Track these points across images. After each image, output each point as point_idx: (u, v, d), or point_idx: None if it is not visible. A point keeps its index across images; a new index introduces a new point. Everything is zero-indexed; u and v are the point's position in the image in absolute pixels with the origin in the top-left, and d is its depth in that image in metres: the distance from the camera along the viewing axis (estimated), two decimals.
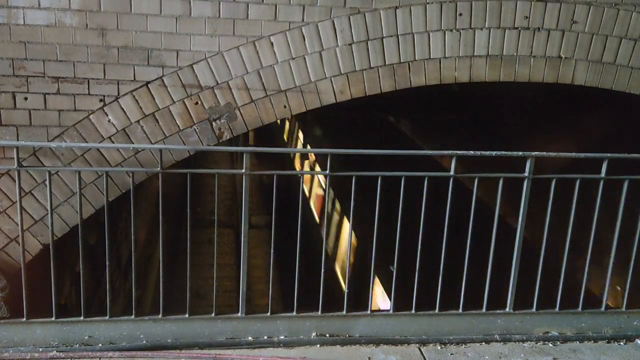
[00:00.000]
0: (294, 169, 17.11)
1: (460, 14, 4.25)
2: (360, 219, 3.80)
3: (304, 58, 4.19)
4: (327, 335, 3.84)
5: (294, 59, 4.18)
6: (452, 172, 3.70)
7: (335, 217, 11.08)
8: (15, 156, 3.49)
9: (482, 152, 3.77)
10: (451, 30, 4.27)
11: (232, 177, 16.58)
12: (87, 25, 3.95)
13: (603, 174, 3.82)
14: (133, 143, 4.12)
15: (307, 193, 14.27)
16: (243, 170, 3.64)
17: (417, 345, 3.86)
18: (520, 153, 3.76)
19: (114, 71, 4.03)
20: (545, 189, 3.80)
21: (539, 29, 4.35)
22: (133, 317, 3.74)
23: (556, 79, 4.45)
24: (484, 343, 3.92)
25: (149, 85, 4.09)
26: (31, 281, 3.65)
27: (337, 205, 10.99)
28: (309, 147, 15.55)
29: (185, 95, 4.13)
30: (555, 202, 3.82)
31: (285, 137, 22.39)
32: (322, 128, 15.03)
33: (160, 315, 3.75)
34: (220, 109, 4.19)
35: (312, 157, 15.59)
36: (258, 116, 4.24)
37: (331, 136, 13.84)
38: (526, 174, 3.79)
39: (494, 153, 3.77)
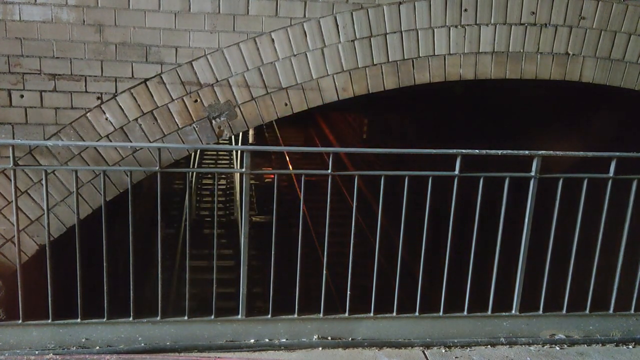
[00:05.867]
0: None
1: (466, 10, 4.17)
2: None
3: (306, 55, 4.12)
4: (329, 338, 3.77)
5: (295, 55, 4.11)
6: (456, 172, 3.63)
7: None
8: (11, 155, 3.43)
9: (488, 150, 3.70)
10: (456, 27, 4.19)
11: (231, 177, 16.54)
12: (84, 21, 3.88)
13: (611, 174, 3.74)
14: (131, 142, 4.06)
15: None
16: (243, 169, 3.57)
17: (421, 348, 3.78)
18: (527, 152, 3.69)
19: (111, 68, 3.97)
20: (552, 189, 3.72)
21: (546, 24, 4.26)
22: (131, 319, 3.67)
23: (563, 76, 4.37)
24: (489, 346, 3.84)
25: (147, 82, 4.02)
26: (27, 282, 3.58)
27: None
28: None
29: (184, 92, 4.06)
30: (562, 202, 3.74)
31: None
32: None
33: (158, 317, 3.68)
34: (220, 106, 4.11)
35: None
36: (258, 114, 4.17)
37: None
38: (533, 174, 3.71)
39: (500, 152, 3.70)
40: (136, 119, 4.05)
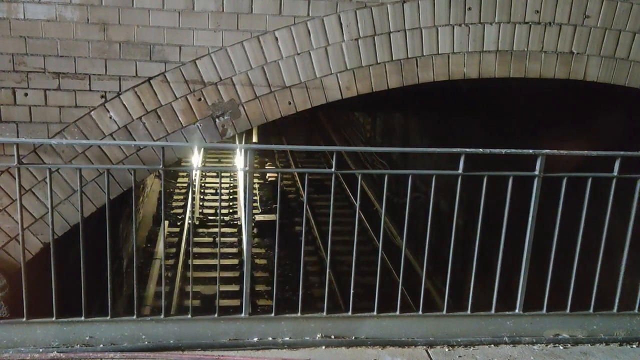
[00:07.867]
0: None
1: (470, 8, 4.16)
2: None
3: (309, 53, 4.11)
4: (333, 336, 3.77)
5: (299, 54, 4.11)
6: (460, 171, 3.62)
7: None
8: (15, 153, 3.43)
9: (492, 150, 3.69)
10: (460, 25, 4.18)
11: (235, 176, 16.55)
12: (88, 19, 3.88)
13: (615, 173, 3.73)
14: (135, 140, 4.06)
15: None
16: (246, 168, 3.57)
17: (424, 347, 3.78)
18: (531, 151, 3.68)
19: (115, 67, 3.97)
20: (556, 188, 3.71)
21: (550, 23, 4.25)
22: (135, 317, 3.68)
23: (568, 75, 4.36)
24: (492, 345, 3.83)
25: (151, 81, 4.02)
26: (31, 280, 3.59)
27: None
28: None
29: (188, 91, 4.06)
30: (566, 201, 3.73)
31: None
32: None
33: (162, 316, 3.69)
34: (223, 105, 4.12)
35: None
36: (262, 113, 4.17)
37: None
38: (537, 172, 3.70)
39: (503, 151, 3.69)
40: (140, 118, 4.05)
